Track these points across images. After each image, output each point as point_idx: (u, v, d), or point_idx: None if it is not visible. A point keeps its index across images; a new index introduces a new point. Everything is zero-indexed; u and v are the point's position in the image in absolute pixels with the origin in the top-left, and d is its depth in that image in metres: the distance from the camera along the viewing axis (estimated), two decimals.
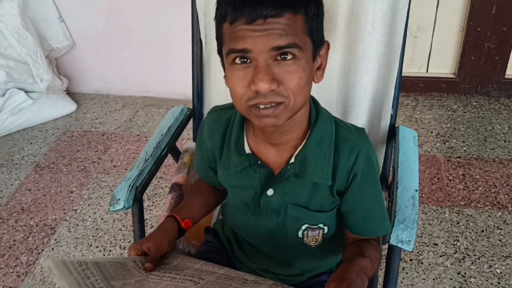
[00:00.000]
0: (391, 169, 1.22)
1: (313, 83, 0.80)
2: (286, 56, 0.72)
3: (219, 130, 0.93)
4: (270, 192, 0.89)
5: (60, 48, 2.59)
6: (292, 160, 0.86)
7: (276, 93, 0.72)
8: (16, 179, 2.18)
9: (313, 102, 0.88)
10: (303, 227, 0.93)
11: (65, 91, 2.69)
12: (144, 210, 1.14)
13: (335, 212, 0.92)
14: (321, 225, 0.93)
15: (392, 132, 1.25)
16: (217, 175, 0.99)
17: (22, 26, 2.30)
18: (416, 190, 1.05)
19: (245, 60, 0.72)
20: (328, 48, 0.83)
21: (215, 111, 0.97)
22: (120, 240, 1.83)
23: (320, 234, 0.95)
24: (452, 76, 2.46)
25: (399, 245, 0.94)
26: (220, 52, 0.78)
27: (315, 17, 0.75)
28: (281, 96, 0.73)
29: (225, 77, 0.79)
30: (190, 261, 0.93)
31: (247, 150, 0.89)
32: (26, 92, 2.45)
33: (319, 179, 0.86)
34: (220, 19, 0.75)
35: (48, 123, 2.57)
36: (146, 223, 1.17)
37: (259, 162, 0.89)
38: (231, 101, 0.80)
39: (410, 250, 0.94)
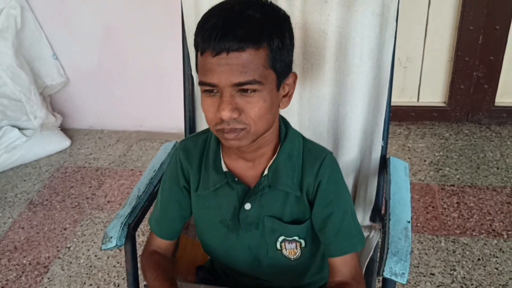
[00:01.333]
0: (383, 200, 1.23)
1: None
2: (248, 90, 0.79)
3: (196, 153, 0.98)
4: (247, 206, 0.95)
5: (54, 85, 2.62)
6: (266, 172, 0.93)
7: (238, 121, 0.81)
8: (9, 217, 2.16)
9: (282, 120, 0.96)
10: (280, 239, 0.97)
11: (59, 127, 2.70)
12: (138, 245, 1.14)
13: (309, 225, 0.95)
14: (296, 238, 0.96)
15: (384, 163, 1.26)
16: (187, 205, 1.01)
17: (16, 65, 2.32)
18: (409, 222, 1.06)
19: (213, 90, 0.80)
20: (296, 78, 0.90)
21: (190, 138, 1.03)
22: (114, 277, 1.80)
23: (298, 247, 0.97)
24: (443, 104, 2.49)
25: (393, 278, 0.93)
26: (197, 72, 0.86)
27: (278, 49, 0.81)
28: (242, 124, 0.81)
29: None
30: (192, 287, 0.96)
31: (224, 168, 0.95)
32: (20, 129, 2.46)
33: (289, 188, 0.92)
34: (195, 47, 0.83)
35: (42, 160, 2.56)
36: (140, 259, 1.16)
37: (236, 179, 0.94)
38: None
39: (404, 282, 0.94)
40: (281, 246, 0.97)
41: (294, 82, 0.90)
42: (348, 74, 1.19)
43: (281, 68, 0.83)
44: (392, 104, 2.54)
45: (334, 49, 1.18)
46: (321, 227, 0.93)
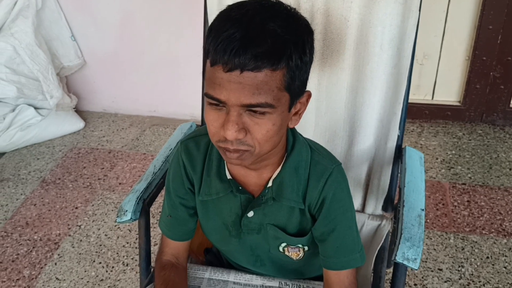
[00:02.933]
0: (397, 189, 1.23)
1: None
2: (257, 111, 0.73)
3: (199, 156, 0.93)
4: (250, 214, 0.92)
5: (71, 66, 2.64)
6: (270, 184, 0.89)
7: (242, 142, 0.75)
8: (22, 194, 2.19)
9: (290, 130, 0.89)
10: (283, 244, 0.95)
11: (73, 108, 2.72)
12: (150, 226, 1.14)
13: (312, 235, 0.93)
14: (299, 245, 0.95)
15: (399, 153, 1.26)
16: (195, 205, 0.98)
17: (35, 44, 2.34)
18: (422, 210, 1.06)
19: (220, 104, 0.73)
20: (309, 97, 0.83)
21: (191, 138, 0.96)
22: (124, 256, 1.82)
23: (301, 251, 0.96)
24: (458, 104, 2.48)
25: (405, 263, 0.93)
26: (203, 75, 0.79)
27: (297, 69, 0.73)
28: (247, 145, 0.75)
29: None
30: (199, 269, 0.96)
31: (228, 176, 0.91)
32: (36, 108, 2.48)
33: (294, 203, 0.88)
34: (204, 53, 0.75)
35: (56, 140, 2.59)
36: (151, 240, 1.17)
37: (240, 188, 0.90)
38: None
39: (416, 268, 0.94)
40: (283, 249, 0.96)
41: (307, 101, 0.83)
42: (367, 62, 1.19)
43: (296, 88, 0.76)
44: None
45: (354, 36, 1.18)
46: (321, 240, 0.91)
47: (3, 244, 1.90)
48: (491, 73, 2.33)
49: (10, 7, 2.30)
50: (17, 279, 1.75)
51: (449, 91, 2.46)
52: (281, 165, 0.88)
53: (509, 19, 2.19)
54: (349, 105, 1.25)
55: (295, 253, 0.96)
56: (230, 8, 0.75)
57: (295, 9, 0.78)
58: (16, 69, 2.35)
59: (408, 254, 0.94)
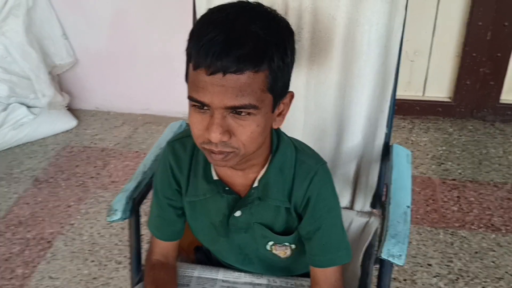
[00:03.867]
0: (384, 187, 1.25)
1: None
2: (241, 112, 0.74)
3: (186, 157, 0.94)
4: (238, 213, 0.93)
5: (63, 65, 2.64)
6: (256, 184, 0.90)
7: (227, 144, 0.75)
8: (14, 193, 2.19)
9: (275, 130, 0.90)
10: (270, 243, 0.96)
11: (66, 107, 2.72)
12: (140, 225, 1.16)
13: (298, 233, 0.94)
14: (286, 244, 0.96)
15: (386, 150, 1.28)
16: (179, 209, 0.99)
17: (26, 42, 2.35)
18: (408, 207, 1.07)
19: (203, 108, 0.74)
20: (292, 97, 0.84)
21: (179, 140, 0.96)
22: (116, 254, 1.83)
23: (289, 249, 0.97)
24: (448, 100, 2.50)
25: (390, 259, 0.94)
26: (186, 79, 0.78)
27: (279, 70, 0.74)
28: (231, 147, 0.76)
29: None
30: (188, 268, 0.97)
31: (215, 177, 0.91)
32: (28, 107, 2.48)
33: (280, 202, 0.90)
34: (187, 56, 0.76)
35: (48, 138, 2.59)
36: (142, 238, 1.18)
37: (227, 188, 0.91)
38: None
39: (401, 264, 0.95)
40: (271, 248, 0.97)
41: (290, 101, 0.84)
42: (355, 60, 1.20)
43: (279, 89, 0.77)
44: (397, 97, 2.55)
45: (342, 35, 1.19)
46: (307, 238, 0.93)
47: None
48: (481, 69, 2.35)
49: (1, 6, 2.30)
50: (10, 278, 1.75)
51: (439, 87, 2.49)
52: (267, 165, 0.89)
53: (498, 15, 2.21)
54: (338, 103, 1.26)
55: (282, 251, 0.97)
56: (211, 11, 0.76)
57: (275, 10, 0.79)
58: (7, 68, 2.35)
59: (393, 251, 0.95)
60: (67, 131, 2.65)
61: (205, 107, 0.74)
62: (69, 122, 2.67)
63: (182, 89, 0.79)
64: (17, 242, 1.91)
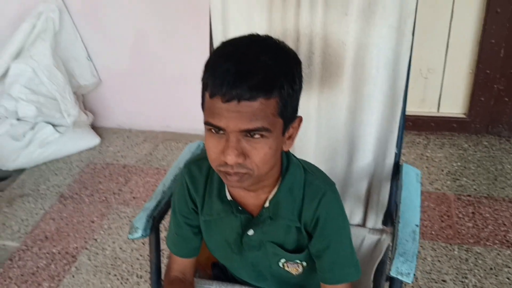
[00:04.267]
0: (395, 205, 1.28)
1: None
2: (255, 135, 0.79)
3: (201, 178, 1.00)
4: (250, 232, 0.98)
5: (87, 85, 2.74)
6: (267, 205, 0.95)
7: (242, 165, 0.81)
8: (41, 209, 2.28)
9: (285, 153, 0.95)
10: (282, 260, 1.00)
11: (90, 125, 2.82)
12: (161, 240, 1.22)
13: (309, 251, 0.99)
14: (298, 261, 1.00)
15: (397, 169, 1.32)
16: (195, 227, 1.05)
17: (53, 65, 2.45)
18: (417, 225, 1.11)
19: (219, 132, 0.80)
20: (301, 121, 0.90)
21: (195, 162, 1.02)
22: (137, 269, 1.90)
23: (300, 266, 1.01)
24: (463, 116, 2.52)
25: (399, 277, 0.99)
26: (202, 106, 0.84)
27: (288, 97, 0.81)
28: (246, 168, 0.81)
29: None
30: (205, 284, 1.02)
31: (229, 197, 0.97)
32: (54, 126, 2.59)
33: (290, 221, 0.94)
34: (203, 86, 0.82)
35: (73, 156, 2.69)
36: (162, 253, 1.24)
37: (240, 208, 0.97)
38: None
39: (410, 282, 0.99)
40: (283, 265, 1.01)
41: (299, 125, 0.90)
42: (364, 83, 1.25)
43: (288, 114, 0.83)
44: (412, 113, 2.58)
45: (352, 59, 1.24)
46: (318, 256, 0.97)
47: (24, 258, 1.99)
48: (495, 86, 2.37)
49: (29, 31, 2.42)
50: None
51: (454, 103, 2.51)
52: (277, 186, 0.94)
53: (511, 33, 2.23)
54: (348, 124, 1.31)
55: (294, 268, 1.01)
56: (224, 45, 0.83)
57: (283, 42, 0.85)
58: (35, 89, 2.46)
59: (402, 269, 0.99)
60: (90, 148, 2.75)
61: (221, 132, 0.79)
62: (93, 140, 2.77)
63: (199, 108, 0.85)
64: (43, 257, 2.00)
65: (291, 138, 0.90)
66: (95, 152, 2.73)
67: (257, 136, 0.79)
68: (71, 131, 2.64)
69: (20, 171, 2.57)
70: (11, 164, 2.53)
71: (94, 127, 2.89)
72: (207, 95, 0.80)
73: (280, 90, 0.79)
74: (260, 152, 0.81)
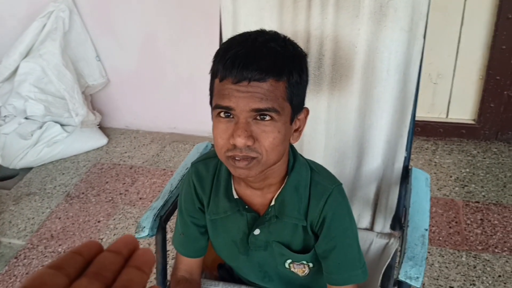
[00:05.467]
0: (404, 209, 1.27)
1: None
2: (265, 117, 0.80)
3: (208, 177, 1.00)
4: (257, 231, 0.98)
5: (96, 85, 2.75)
6: (273, 203, 0.95)
7: (251, 149, 0.80)
8: (47, 208, 2.29)
9: (291, 150, 0.96)
10: (288, 261, 1.00)
11: (97, 125, 2.83)
12: (167, 242, 1.21)
13: (315, 252, 0.98)
14: (304, 262, 1.00)
15: (406, 173, 1.31)
16: (202, 227, 1.04)
17: (62, 64, 2.46)
18: (426, 230, 1.10)
19: (229, 115, 0.80)
20: (307, 113, 0.91)
21: (202, 161, 1.02)
22: None
23: (307, 267, 1.01)
24: (472, 122, 2.50)
25: (408, 281, 0.98)
26: (210, 103, 0.86)
27: (296, 84, 0.82)
28: (255, 152, 0.81)
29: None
30: (211, 284, 1.01)
31: (235, 195, 0.97)
32: (62, 125, 2.60)
33: (296, 220, 0.94)
34: (212, 74, 0.84)
35: (80, 155, 2.70)
36: (168, 254, 1.24)
37: (247, 207, 0.97)
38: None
39: (418, 286, 0.98)
40: (289, 266, 1.01)
41: (306, 118, 0.91)
42: (375, 86, 1.25)
43: (296, 102, 0.84)
44: (420, 119, 2.56)
45: (362, 62, 1.24)
46: (324, 257, 0.96)
47: (29, 256, 2.00)
48: (505, 92, 2.35)
49: (39, 30, 2.44)
50: None
51: (463, 109, 2.49)
52: (283, 185, 0.94)
53: None
54: (358, 127, 1.31)
55: (300, 269, 1.01)
56: (233, 36, 0.85)
57: (289, 38, 0.87)
58: (44, 88, 2.47)
59: (411, 273, 0.98)
60: (98, 148, 2.76)
61: (231, 116, 0.80)
62: (100, 140, 2.77)
63: (207, 109, 0.86)
64: (48, 255, 2.00)
65: (298, 130, 0.90)
66: (102, 152, 2.73)
67: (267, 118, 0.80)
68: (79, 130, 2.65)
69: (27, 169, 2.58)
70: (18, 163, 2.54)
71: (102, 127, 2.90)
72: (216, 81, 0.82)
73: (289, 75, 0.81)
74: (270, 136, 0.81)
